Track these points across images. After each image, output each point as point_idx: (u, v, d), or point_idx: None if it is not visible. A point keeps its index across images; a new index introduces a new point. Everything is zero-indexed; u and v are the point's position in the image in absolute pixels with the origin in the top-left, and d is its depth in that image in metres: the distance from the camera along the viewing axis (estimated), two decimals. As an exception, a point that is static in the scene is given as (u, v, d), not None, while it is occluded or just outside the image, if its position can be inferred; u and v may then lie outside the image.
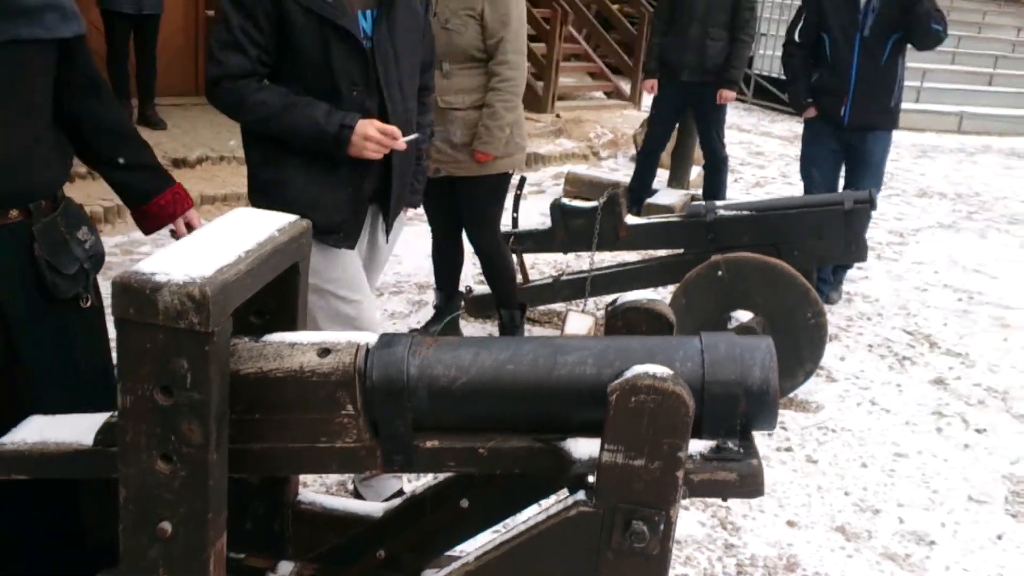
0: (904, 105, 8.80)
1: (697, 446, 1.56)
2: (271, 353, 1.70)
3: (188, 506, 1.59)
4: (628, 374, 1.47)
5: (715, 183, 5.69)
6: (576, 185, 6.31)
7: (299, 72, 2.28)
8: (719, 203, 3.83)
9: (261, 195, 2.47)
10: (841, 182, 4.78)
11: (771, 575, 2.55)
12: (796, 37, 4.71)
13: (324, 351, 1.69)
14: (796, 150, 8.55)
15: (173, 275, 1.49)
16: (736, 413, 1.56)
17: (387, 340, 1.70)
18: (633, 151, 7.97)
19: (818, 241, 3.66)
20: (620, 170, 7.36)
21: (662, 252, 4.16)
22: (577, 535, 1.53)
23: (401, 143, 2.30)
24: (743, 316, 3.40)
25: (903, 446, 3.32)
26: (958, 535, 2.81)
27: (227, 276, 1.53)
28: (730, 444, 1.57)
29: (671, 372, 1.46)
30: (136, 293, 1.49)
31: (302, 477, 2.24)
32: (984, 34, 14.75)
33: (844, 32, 4.47)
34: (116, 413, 1.67)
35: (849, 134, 4.58)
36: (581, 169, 7.00)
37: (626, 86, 10.60)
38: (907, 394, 3.74)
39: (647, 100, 10.56)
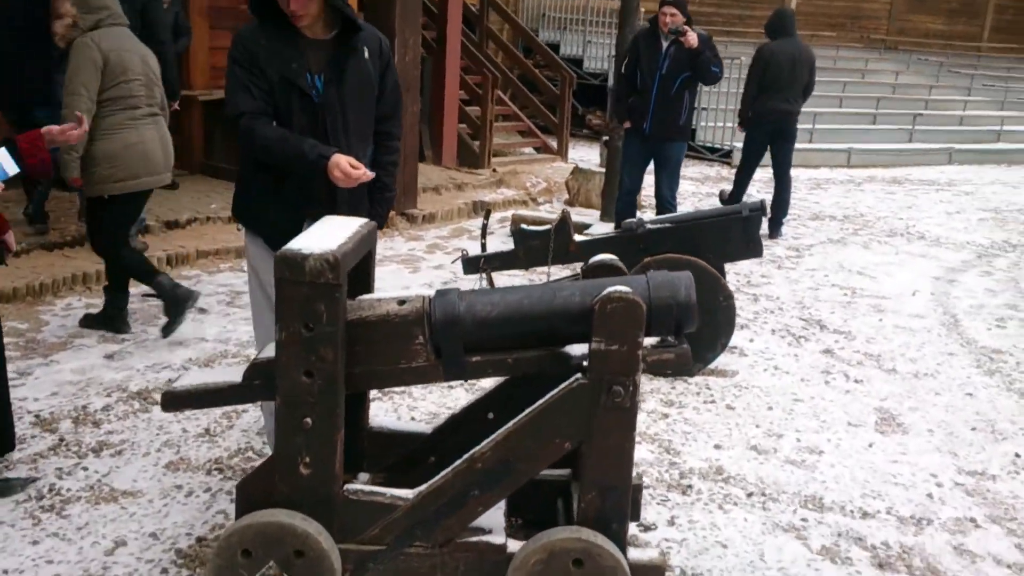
0: (799, 145, 10.30)
1: (649, 341, 2.48)
2: (366, 306, 2.58)
3: (323, 406, 2.45)
4: (604, 292, 2.38)
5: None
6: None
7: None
8: (647, 219, 4.81)
9: (237, 211, 3.28)
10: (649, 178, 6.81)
11: (703, 477, 3.46)
12: (623, 70, 6.64)
13: (401, 302, 2.58)
14: (706, 189, 9.71)
15: (314, 249, 2.36)
16: (671, 318, 2.49)
17: (442, 292, 2.60)
18: (566, 195, 9.01)
19: (724, 243, 4.65)
20: (556, 212, 8.32)
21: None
22: (578, 400, 2.43)
23: (363, 176, 2.98)
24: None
25: (799, 394, 4.30)
26: (840, 447, 3.78)
27: (345, 248, 2.43)
28: (669, 339, 2.51)
29: (630, 288, 2.39)
30: (291, 261, 2.35)
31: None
32: (867, 79, 16.35)
33: (650, 70, 6.29)
34: (254, 359, 2.54)
35: (651, 142, 6.41)
36: (524, 212, 7.96)
37: (553, 142, 11.66)
38: (802, 361, 4.73)
39: (572, 153, 11.67)
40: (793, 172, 8.84)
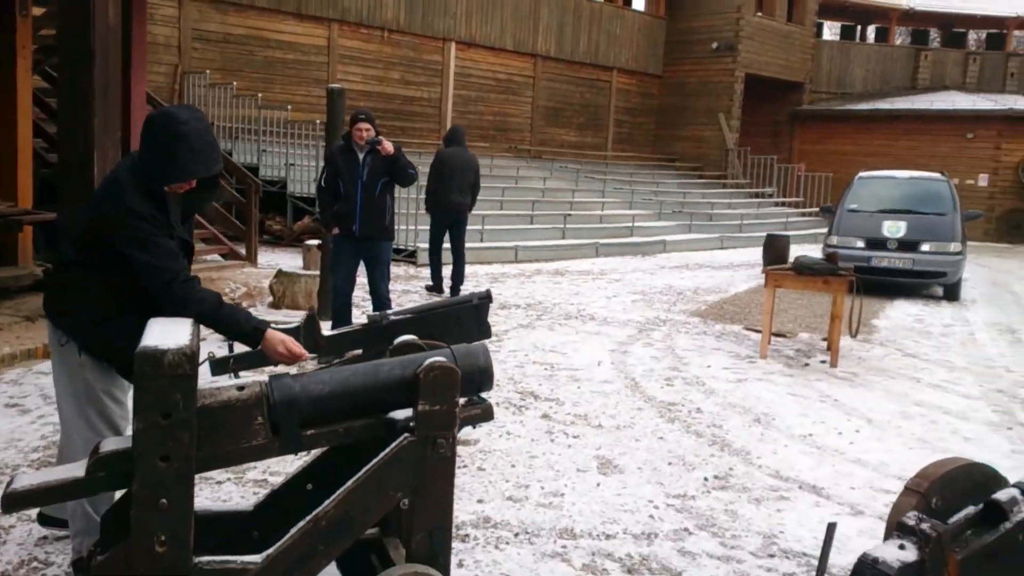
0: (475, 244, 11.85)
1: (460, 400, 3.06)
2: (207, 393, 2.90)
3: (178, 487, 2.72)
4: (426, 362, 2.93)
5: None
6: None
7: None
8: (389, 312, 5.38)
9: (93, 345, 3.32)
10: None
11: (475, 526, 4.04)
12: (322, 183, 7.32)
13: (240, 388, 2.93)
14: (399, 286, 10.42)
15: (169, 344, 2.68)
16: (475, 381, 3.09)
17: (276, 376, 3.00)
18: (270, 299, 9.30)
19: (458, 328, 5.33)
20: (263, 316, 8.61)
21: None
22: (408, 455, 2.93)
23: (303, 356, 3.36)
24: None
25: (533, 452, 5.05)
26: (576, 489, 4.54)
27: (194, 342, 2.76)
28: (475, 398, 3.10)
29: (446, 358, 2.96)
30: (151, 357, 2.65)
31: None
32: (521, 184, 18.25)
33: (351, 179, 7.03)
34: (93, 455, 2.77)
35: (361, 242, 7.07)
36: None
37: (239, 248, 11.87)
38: (527, 425, 5.51)
39: (260, 258, 11.94)
40: (472, 269, 10.04)
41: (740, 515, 4.33)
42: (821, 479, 4.86)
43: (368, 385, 3.01)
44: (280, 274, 9.30)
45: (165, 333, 2.80)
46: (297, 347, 3.26)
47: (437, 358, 2.97)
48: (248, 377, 3.16)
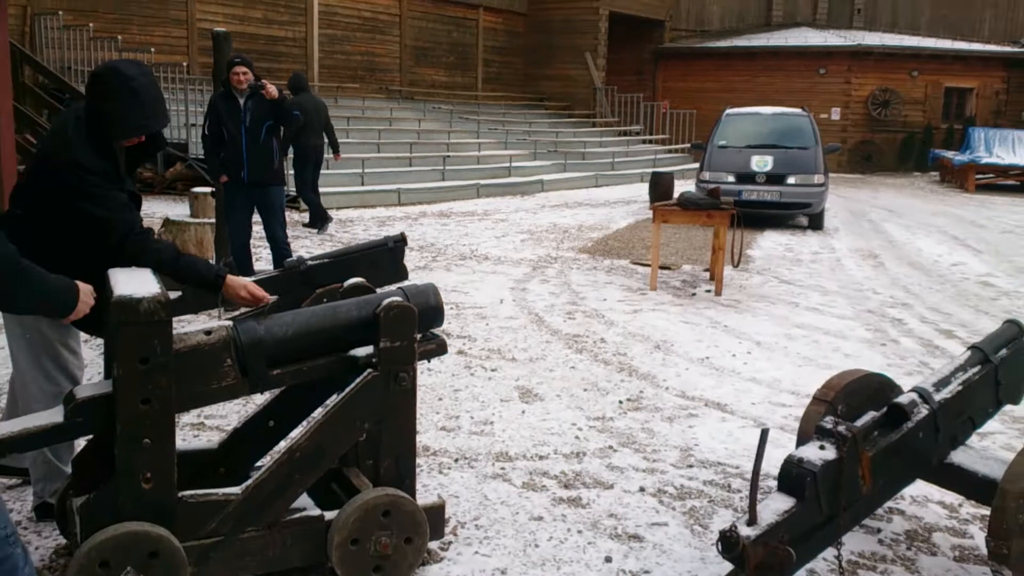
0: (353, 188, 12.07)
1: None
2: (178, 339, 2.98)
3: (160, 427, 2.84)
4: (385, 302, 3.09)
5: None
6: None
7: None
8: (306, 256, 5.46)
9: None
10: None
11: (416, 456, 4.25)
12: (206, 131, 7.34)
13: (208, 332, 3.03)
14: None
15: (144, 293, 2.77)
16: (427, 318, 3.27)
17: (240, 319, 3.10)
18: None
19: (375, 271, 5.45)
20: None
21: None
22: (372, 389, 3.10)
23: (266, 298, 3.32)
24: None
25: (456, 385, 5.27)
26: (503, 417, 4.80)
27: (164, 289, 2.84)
28: (429, 334, 3.29)
29: (402, 298, 3.13)
30: (126, 305, 2.73)
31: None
32: (395, 126, 18.15)
33: (234, 125, 7.06)
34: (69, 401, 2.83)
35: (251, 189, 7.13)
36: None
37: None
38: (446, 362, 5.71)
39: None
40: (358, 212, 10.08)
41: (657, 432, 4.70)
42: (723, 397, 5.29)
43: (327, 326, 3.16)
44: (168, 223, 9.11)
45: (133, 282, 2.87)
46: (259, 290, 3.35)
47: (395, 298, 3.13)
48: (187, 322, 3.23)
